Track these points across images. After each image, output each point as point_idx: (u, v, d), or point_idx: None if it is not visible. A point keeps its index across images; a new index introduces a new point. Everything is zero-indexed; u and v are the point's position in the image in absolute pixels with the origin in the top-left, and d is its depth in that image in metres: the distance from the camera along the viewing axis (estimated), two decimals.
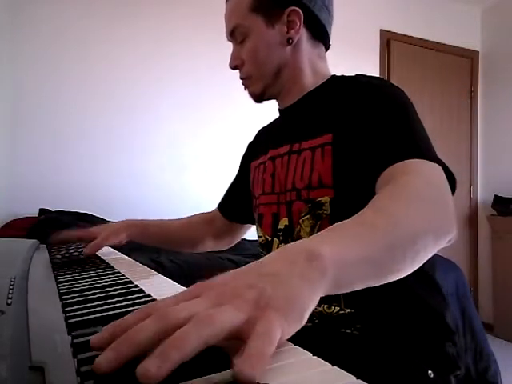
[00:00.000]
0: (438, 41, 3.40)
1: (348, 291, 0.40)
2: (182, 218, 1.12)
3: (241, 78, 0.83)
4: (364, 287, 0.42)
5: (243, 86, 0.84)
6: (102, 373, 0.25)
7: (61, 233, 0.94)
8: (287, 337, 0.30)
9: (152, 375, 0.23)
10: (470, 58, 3.57)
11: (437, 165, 0.59)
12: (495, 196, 3.28)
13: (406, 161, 0.58)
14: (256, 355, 0.26)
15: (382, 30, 3.24)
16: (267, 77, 0.80)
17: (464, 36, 3.52)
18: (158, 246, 1.11)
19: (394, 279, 0.45)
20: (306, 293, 0.33)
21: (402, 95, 0.70)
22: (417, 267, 0.47)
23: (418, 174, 0.56)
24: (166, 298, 0.32)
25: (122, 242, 0.96)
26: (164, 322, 0.27)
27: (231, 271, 0.35)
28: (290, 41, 0.77)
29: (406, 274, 0.47)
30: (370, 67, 3.18)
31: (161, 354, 0.25)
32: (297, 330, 0.31)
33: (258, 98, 0.83)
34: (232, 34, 0.80)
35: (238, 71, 0.83)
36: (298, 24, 0.76)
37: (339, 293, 0.39)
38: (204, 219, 1.10)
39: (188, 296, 0.32)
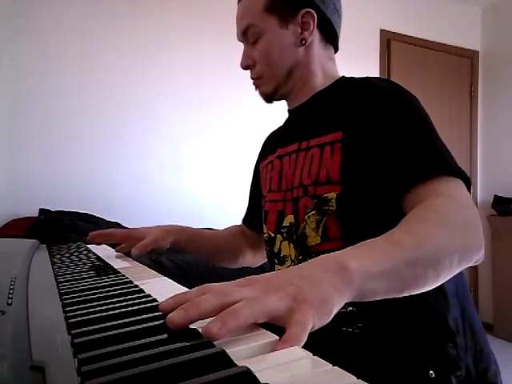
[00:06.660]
0: (438, 41, 3.40)
1: (372, 300, 0.46)
2: (219, 230, 1.09)
3: (252, 78, 0.83)
4: (386, 297, 0.47)
5: (254, 86, 0.84)
6: (175, 325, 0.33)
7: (102, 230, 0.90)
8: (317, 327, 0.37)
9: (214, 333, 0.31)
10: (470, 57, 3.57)
11: (459, 180, 0.62)
12: (495, 196, 3.28)
13: (434, 179, 0.61)
14: (294, 337, 0.32)
15: (382, 30, 3.23)
16: (279, 77, 0.80)
17: (464, 36, 3.52)
18: (199, 255, 1.02)
19: (417, 292, 0.50)
20: (334, 297, 0.39)
21: (418, 104, 0.70)
22: (441, 282, 0.52)
23: (449, 197, 0.59)
24: (219, 283, 0.39)
25: (166, 246, 0.91)
26: (223, 298, 0.35)
27: (274, 272, 0.42)
28: (304, 41, 0.78)
29: (430, 288, 0.51)
30: (370, 67, 3.17)
31: (221, 319, 0.32)
32: (324, 324, 0.38)
33: (269, 98, 0.84)
34: (244, 34, 0.81)
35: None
36: (312, 25, 0.77)
37: (363, 300, 0.45)
38: (239, 230, 1.08)
39: (238, 285, 0.38)
